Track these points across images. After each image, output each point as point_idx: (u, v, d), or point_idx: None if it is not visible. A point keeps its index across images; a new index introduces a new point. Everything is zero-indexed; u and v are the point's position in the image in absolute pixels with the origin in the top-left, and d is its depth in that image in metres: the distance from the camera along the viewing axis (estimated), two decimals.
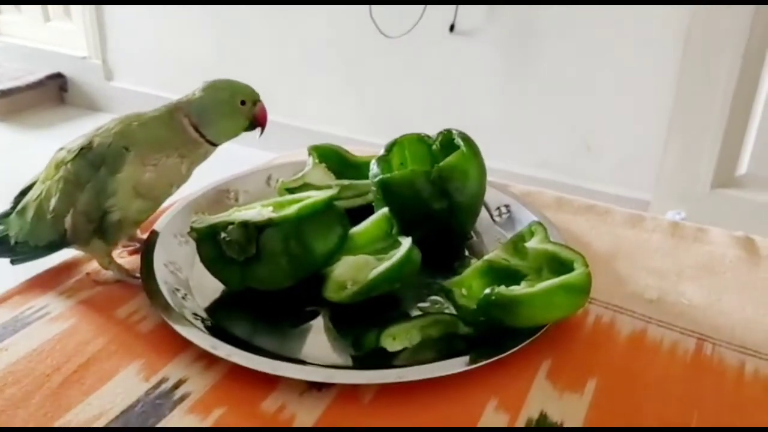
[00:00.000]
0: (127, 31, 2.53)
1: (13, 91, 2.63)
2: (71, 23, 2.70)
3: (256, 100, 0.59)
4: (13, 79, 2.67)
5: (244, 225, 0.53)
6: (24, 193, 0.60)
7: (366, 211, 0.65)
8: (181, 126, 0.57)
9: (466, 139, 0.62)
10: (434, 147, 0.65)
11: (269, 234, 0.53)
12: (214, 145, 0.58)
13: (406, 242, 0.55)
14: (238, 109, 0.58)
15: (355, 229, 0.59)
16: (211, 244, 0.54)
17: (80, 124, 2.62)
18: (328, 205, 0.57)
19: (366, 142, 1.84)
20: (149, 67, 2.52)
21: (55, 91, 2.77)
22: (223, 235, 0.53)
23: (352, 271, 0.55)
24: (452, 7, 1.88)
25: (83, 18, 2.59)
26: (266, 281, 0.55)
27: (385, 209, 0.58)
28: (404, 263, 0.54)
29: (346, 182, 0.70)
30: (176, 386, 0.47)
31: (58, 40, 2.75)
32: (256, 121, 0.60)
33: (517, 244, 0.56)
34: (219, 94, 0.58)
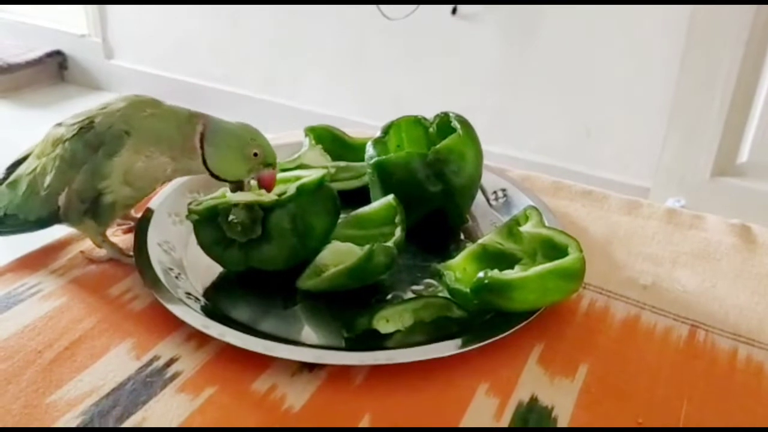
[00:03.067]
0: (127, 10, 2.51)
1: (12, 69, 2.62)
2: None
3: (269, 162, 0.56)
4: (13, 57, 2.66)
5: (249, 206, 0.53)
6: (16, 165, 0.59)
7: (363, 192, 0.65)
8: (191, 131, 0.55)
9: (463, 122, 0.61)
10: (431, 130, 0.65)
11: (278, 215, 0.53)
12: (206, 166, 0.55)
13: (395, 235, 0.55)
14: (246, 155, 0.55)
15: (362, 210, 0.59)
16: (210, 226, 0.54)
17: (80, 101, 2.60)
18: (321, 184, 0.56)
19: (365, 124, 1.83)
20: (149, 45, 2.50)
21: (54, 69, 2.76)
22: (231, 217, 0.53)
23: (335, 258, 0.55)
24: None
25: None
26: (273, 261, 0.54)
27: (391, 197, 0.58)
28: (359, 267, 0.52)
29: (342, 164, 0.70)
30: (168, 365, 0.47)
31: (58, 17, 2.73)
32: (260, 182, 0.56)
33: (511, 228, 0.56)
34: (240, 132, 0.55)
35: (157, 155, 0.55)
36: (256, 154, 0.55)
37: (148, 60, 2.51)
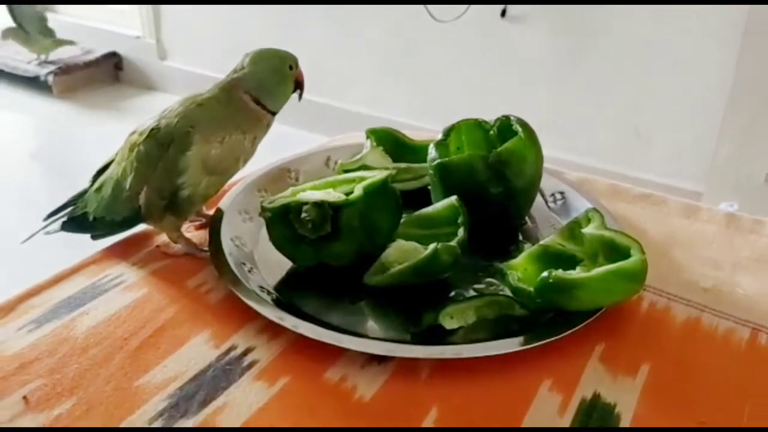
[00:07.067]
0: (181, 12, 2.58)
1: (70, 70, 2.72)
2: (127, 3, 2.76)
3: (297, 63, 0.62)
4: (71, 58, 2.75)
5: (319, 205, 0.55)
6: (100, 172, 0.64)
7: (422, 193, 0.67)
8: (242, 103, 0.59)
9: (524, 125, 0.63)
10: (491, 132, 0.66)
11: (348, 213, 0.55)
12: (274, 114, 0.61)
13: (458, 235, 0.57)
14: (288, 74, 0.62)
15: (425, 210, 0.61)
16: (282, 223, 0.57)
17: (134, 102, 2.69)
18: (385, 184, 0.59)
19: (415, 126, 1.86)
20: (202, 47, 2.57)
21: (110, 70, 2.85)
22: (303, 214, 0.55)
23: (400, 255, 0.57)
24: None
25: None
26: (342, 257, 0.57)
27: (454, 198, 0.60)
28: (424, 264, 0.54)
29: (402, 165, 0.71)
30: (244, 354, 0.50)
31: (114, 19, 2.82)
32: (297, 84, 0.63)
33: (573, 230, 0.57)
34: (270, 64, 0.61)
35: (228, 137, 0.59)
36: (291, 67, 0.62)
37: (200, 61, 2.57)
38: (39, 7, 2.74)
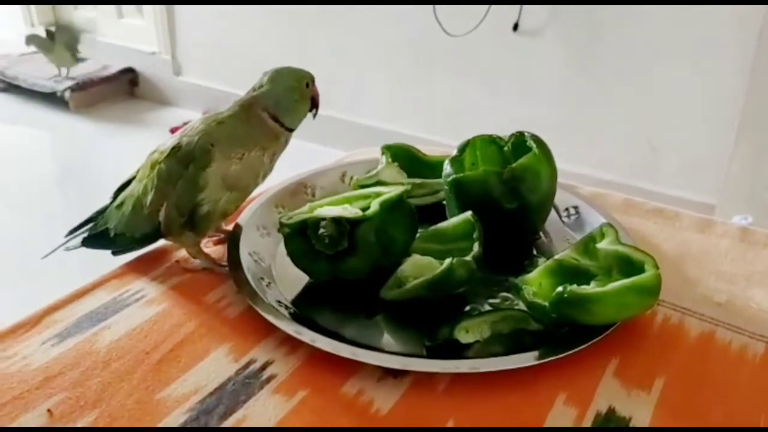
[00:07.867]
0: (195, 28, 2.62)
1: (87, 85, 2.76)
2: (143, 20, 2.81)
3: (313, 81, 0.63)
4: (88, 74, 2.80)
5: (337, 221, 0.56)
6: (121, 189, 0.65)
7: (437, 209, 0.68)
8: (260, 120, 0.61)
9: (538, 141, 0.63)
10: (506, 148, 0.67)
11: (365, 228, 0.56)
12: (291, 131, 0.62)
13: (473, 250, 0.57)
14: (305, 91, 0.63)
15: (441, 225, 0.62)
16: (300, 239, 0.58)
17: (150, 116, 2.72)
18: (401, 199, 0.60)
19: (428, 140, 1.87)
20: (216, 62, 2.60)
21: (126, 85, 2.89)
22: (320, 230, 0.56)
23: (415, 270, 0.58)
24: (516, 6, 1.88)
25: (154, 15, 2.70)
26: (358, 272, 0.58)
27: (470, 213, 0.60)
28: (440, 279, 0.55)
29: (417, 181, 0.72)
30: (263, 368, 0.51)
31: (130, 36, 2.86)
32: (312, 101, 0.64)
33: (587, 245, 0.57)
34: (288, 82, 0.62)
35: (247, 154, 0.60)
36: (307, 85, 0.63)
37: (214, 76, 2.60)
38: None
